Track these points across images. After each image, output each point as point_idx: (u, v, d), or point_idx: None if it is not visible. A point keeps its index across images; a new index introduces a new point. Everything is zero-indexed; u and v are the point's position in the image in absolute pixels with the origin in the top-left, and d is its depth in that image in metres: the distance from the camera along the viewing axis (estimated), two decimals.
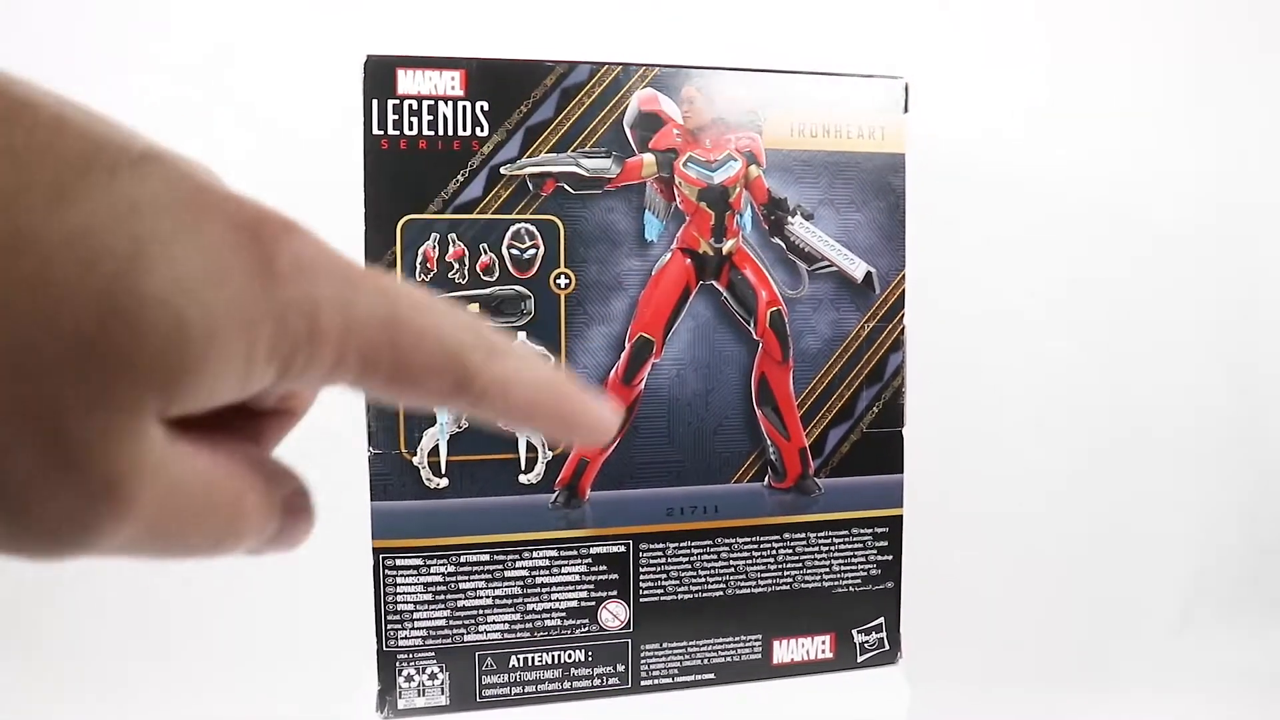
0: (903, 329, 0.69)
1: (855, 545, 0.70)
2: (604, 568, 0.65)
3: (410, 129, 0.60)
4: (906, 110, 0.69)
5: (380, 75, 0.60)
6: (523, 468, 0.63)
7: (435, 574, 0.62)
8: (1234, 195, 1.02)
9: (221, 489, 0.19)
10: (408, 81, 0.60)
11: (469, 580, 0.63)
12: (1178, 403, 1.03)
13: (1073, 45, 0.98)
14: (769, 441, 0.67)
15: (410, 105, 0.60)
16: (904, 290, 0.69)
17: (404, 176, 0.60)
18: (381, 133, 0.60)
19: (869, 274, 0.68)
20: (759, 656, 0.69)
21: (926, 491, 0.72)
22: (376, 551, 0.61)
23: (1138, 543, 1.02)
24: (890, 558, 0.71)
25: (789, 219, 0.67)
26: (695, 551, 0.67)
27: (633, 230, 0.64)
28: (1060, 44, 0.98)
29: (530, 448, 0.63)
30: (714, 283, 0.66)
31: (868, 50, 0.93)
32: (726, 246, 0.66)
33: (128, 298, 0.16)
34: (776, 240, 0.67)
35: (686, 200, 0.65)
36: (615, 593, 0.65)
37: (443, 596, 0.63)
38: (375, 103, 0.60)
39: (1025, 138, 0.97)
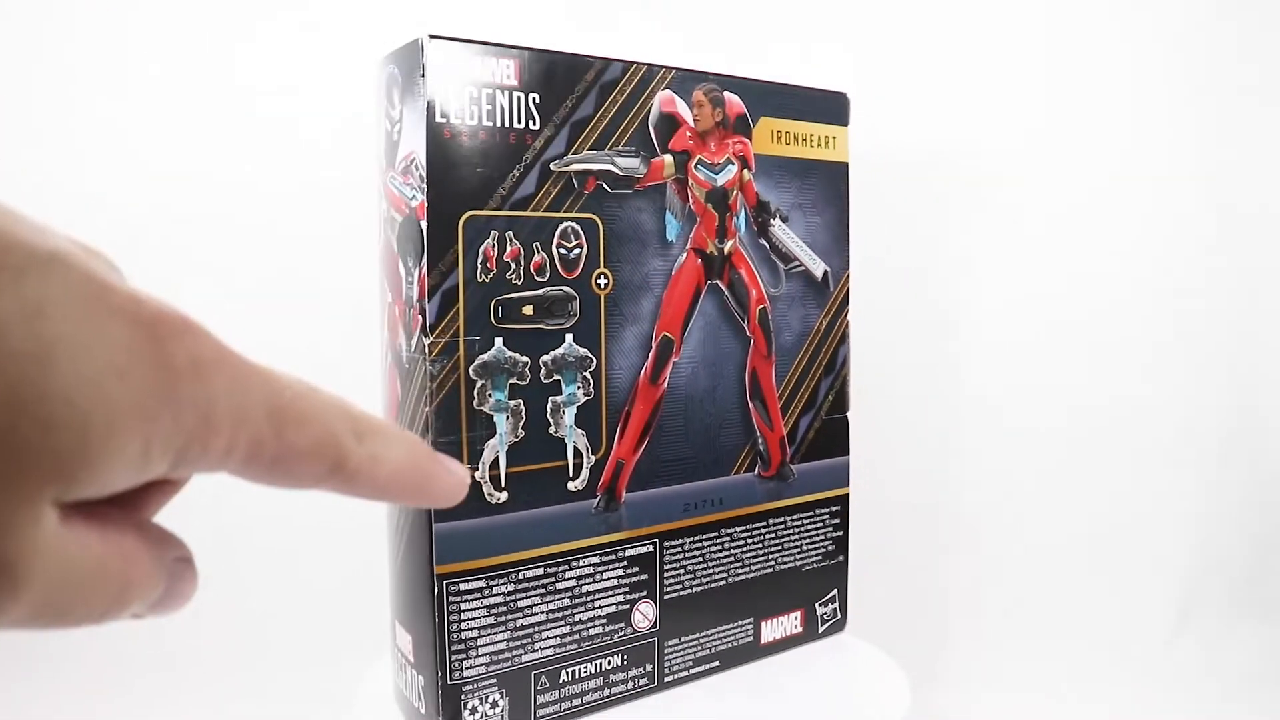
0: (848, 323, 0.78)
1: (817, 524, 0.77)
2: (636, 569, 0.66)
3: (471, 118, 0.57)
4: (847, 123, 0.77)
5: (444, 58, 0.56)
6: (570, 474, 0.63)
7: (496, 595, 0.60)
8: (1213, 197, 1.11)
9: (110, 563, 0.20)
10: (468, 67, 0.57)
11: (526, 597, 0.61)
12: (1176, 402, 1.10)
13: (1003, 60, 1.07)
14: (758, 433, 0.72)
15: (470, 93, 0.57)
16: (849, 289, 0.77)
17: (465, 169, 0.57)
18: (444, 120, 0.56)
19: (826, 273, 0.76)
20: (751, 639, 0.74)
21: (870, 471, 0.82)
22: (440, 578, 0.58)
23: (1135, 541, 1.09)
24: (841, 533, 0.79)
25: (771, 221, 0.72)
26: (705, 544, 0.70)
27: (657, 230, 0.66)
28: (992, 60, 1.07)
29: (576, 453, 0.63)
30: (718, 281, 0.69)
31: (851, 62, 0.99)
32: (727, 247, 0.70)
33: (34, 395, 0.17)
34: (762, 241, 0.72)
35: (697, 201, 0.68)
36: (645, 593, 0.67)
37: (504, 618, 0.60)
38: (437, 87, 0.56)
39: (961, 144, 1.06)
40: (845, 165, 0.77)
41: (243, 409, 0.20)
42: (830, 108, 0.76)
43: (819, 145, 0.75)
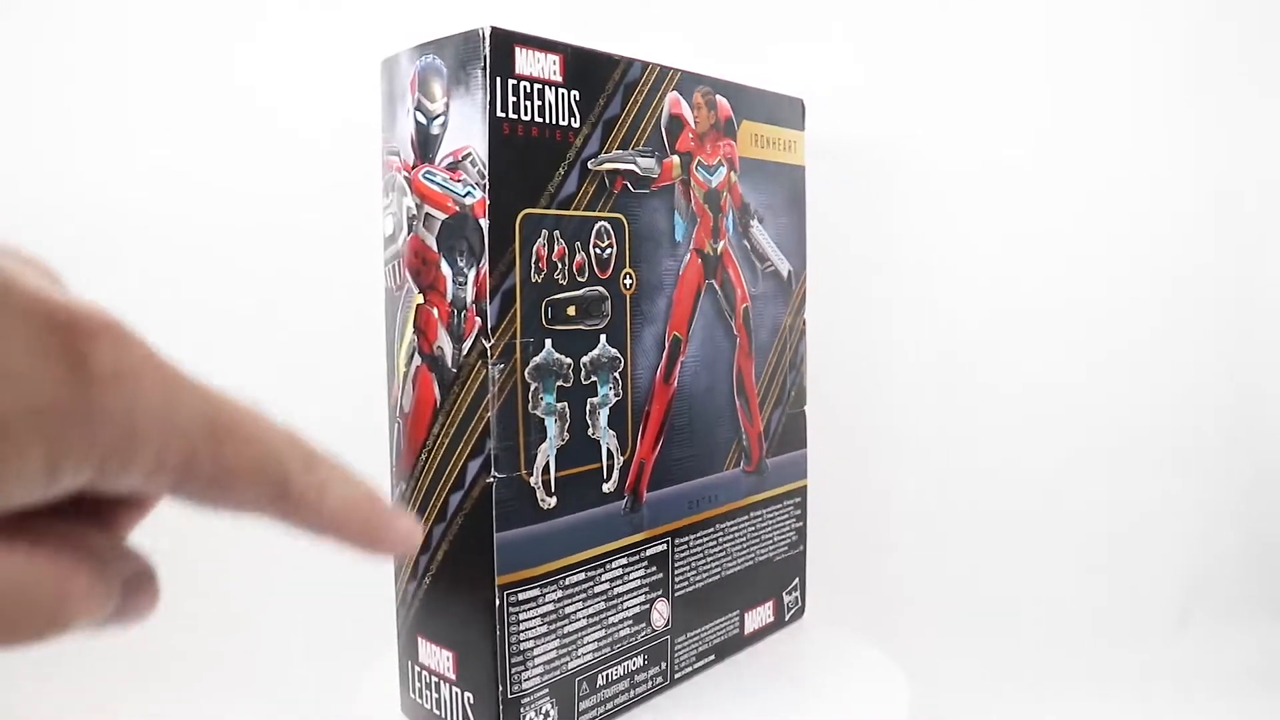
0: (805, 320, 0.82)
1: (784, 515, 0.80)
2: (654, 569, 0.67)
3: (525, 114, 0.56)
4: (803, 127, 0.81)
5: (502, 52, 0.55)
6: (604, 475, 0.63)
7: (548, 603, 0.59)
8: (1202, 195, 1.09)
9: (42, 580, 0.19)
10: (522, 61, 0.56)
11: (570, 604, 0.61)
12: (1175, 400, 1.09)
13: (983, 57, 1.06)
14: (742, 429, 0.75)
15: (524, 88, 0.56)
16: (806, 288, 0.81)
17: (520, 166, 0.56)
18: (503, 115, 0.55)
19: (790, 272, 0.79)
20: (738, 630, 0.76)
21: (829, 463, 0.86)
22: (501, 589, 0.56)
23: (1133, 540, 1.09)
24: (801, 524, 0.83)
25: (752, 222, 0.75)
26: (704, 540, 0.72)
27: (668, 230, 0.67)
28: (973, 57, 1.06)
29: (609, 454, 0.63)
30: (713, 281, 0.71)
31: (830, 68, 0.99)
32: (719, 247, 0.72)
33: None
34: (744, 242, 0.74)
35: (697, 202, 0.69)
36: (660, 592, 0.68)
37: (554, 626, 0.59)
38: (498, 81, 0.54)
39: (909, 148, 1.06)
40: (803, 169, 0.81)
41: (174, 422, 0.19)
42: (790, 112, 0.79)
43: (784, 149, 0.78)
